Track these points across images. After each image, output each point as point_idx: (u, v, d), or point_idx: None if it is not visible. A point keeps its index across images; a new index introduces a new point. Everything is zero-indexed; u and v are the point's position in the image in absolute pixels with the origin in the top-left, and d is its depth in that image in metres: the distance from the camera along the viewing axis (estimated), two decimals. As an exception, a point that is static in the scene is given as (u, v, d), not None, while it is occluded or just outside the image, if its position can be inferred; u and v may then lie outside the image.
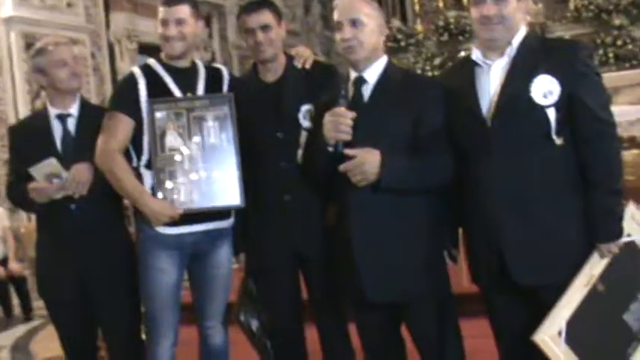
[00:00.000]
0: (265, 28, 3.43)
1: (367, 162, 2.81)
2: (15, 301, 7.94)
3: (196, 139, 3.36)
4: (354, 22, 2.95)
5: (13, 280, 7.88)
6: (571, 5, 14.21)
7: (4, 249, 8.06)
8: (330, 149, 2.92)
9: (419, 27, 15.15)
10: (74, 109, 3.63)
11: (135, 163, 3.38)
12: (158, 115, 3.34)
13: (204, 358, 3.60)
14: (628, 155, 6.22)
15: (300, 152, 3.34)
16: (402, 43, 14.09)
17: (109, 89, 10.74)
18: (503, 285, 2.88)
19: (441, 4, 15.28)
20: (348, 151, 2.84)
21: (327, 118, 2.92)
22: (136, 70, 3.45)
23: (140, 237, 3.45)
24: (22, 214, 8.81)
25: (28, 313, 7.78)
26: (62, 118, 3.61)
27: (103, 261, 3.54)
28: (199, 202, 3.33)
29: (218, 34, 14.05)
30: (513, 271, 2.80)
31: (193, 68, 3.52)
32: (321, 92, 3.27)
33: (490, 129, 2.78)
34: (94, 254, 3.53)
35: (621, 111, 6.24)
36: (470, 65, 2.90)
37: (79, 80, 3.70)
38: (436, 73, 14.14)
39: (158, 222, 3.31)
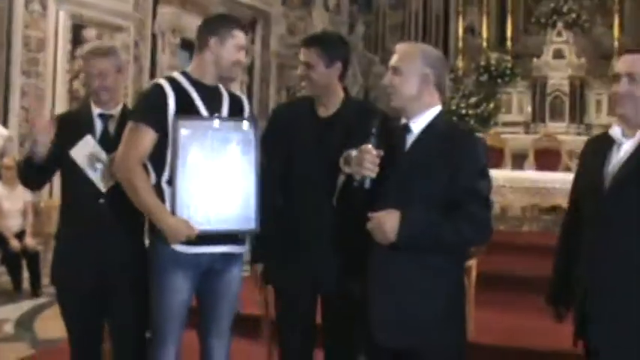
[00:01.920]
0: (308, 66, 3.51)
1: (385, 224, 2.83)
2: (25, 275, 7.97)
3: (219, 160, 3.35)
4: (395, 70, 3.01)
5: (26, 254, 7.92)
6: (613, 64, 14.18)
7: (22, 223, 8.11)
8: (356, 184, 2.96)
9: (460, 63, 15.17)
10: (116, 111, 3.72)
11: (154, 179, 3.35)
12: (183, 132, 3.30)
13: None
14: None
15: (335, 198, 3.35)
16: (442, 78, 14.08)
17: (146, 80, 10.81)
18: None
19: (484, 44, 15.30)
20: (371, 215, 2.87)
21: (355, 153, 2.98)
22: (165, 84, 3.39)
23: (156, 253, 3.42)
24: (44, 190, 8.89)
25: (36, 290, 7.81)
26: (104, 117, 3.69)
27: (122, 256, 3.61)
28: (216, 224, 3.34)
29: (260, 40, 14.11)
30: None
31: (218, 89, 3.53)
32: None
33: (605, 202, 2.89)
34: (115, 248, 3.60)
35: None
36: (608, 139, 2.99)
37: (109, 94, 3.70)
38: (471, 111, 14.17)
39: (175, 240, 3.30)
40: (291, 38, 14.50)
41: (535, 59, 14.54)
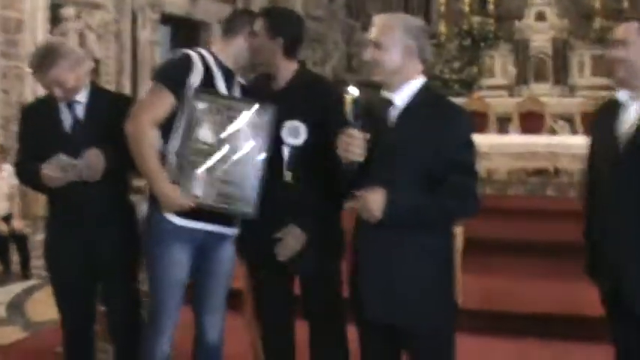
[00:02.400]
0: (253, 34, 3.51)
1: (371, 202, 2.83)
2: (14, 258, 7.97)
3: (228, 139, 3.35)
4: (376, 44, 2.98)
5: (15, 237, 7.92)
6: (596, 25, 14.19)
7: (9, 206, 8.10)
8: (344, 167, 2.97)
9: (442, 28, 15.12)
10: (82, 97, 3.67)
11: (160, 145, 3.34)
12: (200, 105, 3.31)
13: (199, 350, 3.65)
14: None
15: (285, 169, 3.41)
16: (424, 43, 14.02)
17: (128, 57, 10.76)
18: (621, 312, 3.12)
19: (466, 9, 15.24)
20: (357, 194, 2.88)
21: (340, 137, 2.95)
22: (194, 55, 3.41)
23: (154, 224, 3.43)
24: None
25: (26, 272, 7.82)
26: (70, 105, 3.65)
27: (112, 239, 3.65)
28: (213, 201, 3.33)
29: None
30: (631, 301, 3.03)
31: (235, 75, 3.55)
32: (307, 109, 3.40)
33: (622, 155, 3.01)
34: (104, 232, 3.63)
35: None
36: (616, 103, 3.10)
37: (74, 92, 3.64)
38: (454, 76, 14.16)
39: (168, 208, 3.31)
40: (272, 9, 14.42)
41: (517, 22, 14.52)
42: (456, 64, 14.50)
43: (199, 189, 3.31)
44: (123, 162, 3.46)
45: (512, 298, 5.61)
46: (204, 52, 3.48)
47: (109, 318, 3.84)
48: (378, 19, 3.05)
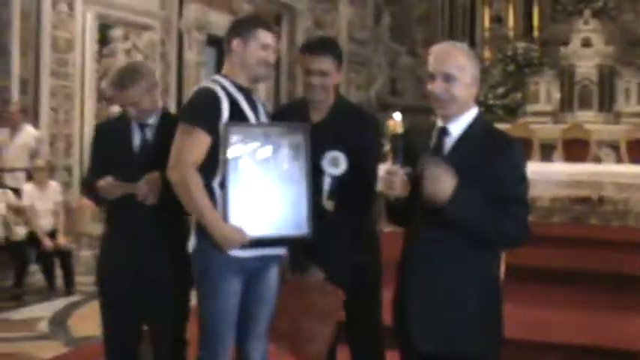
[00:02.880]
0: (323, 74, 3.52)
1: (443, 179, 2.76)
2: (58, 273, 8.08)
3: (269, 165, 3.36)
4: (448, 77, 2.89)
5: (59, 253, 8.03)
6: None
7: (54, 222, 8.22)
8: (393, 202, 2.96)
9: (487, 53, 15.09)
10: (153, 120, 3.79)
11: (204, 181, 3.33)
12: (234, 138, 3.31)
13: None
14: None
15: (325, 198, 3.49)
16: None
17: (173, 77, 10.88)
18: None
19: (511, 34, 15.19)
20: (428, 167, 2.79)
21: (383, 174, 2.95)
22: (218, 90, 3.41)
23: (208, 258, 3.40)
24: (75, 189, 8.99)
25: (69, 288, 7.92)
26: (142, 126, 3.78)
27: (160, 259, 3.72)
28: (269, 230, 3.34)
29: (287, 36, 14.14)
30: None
31: (249, 89, 3.54)
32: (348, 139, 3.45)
33: None
34: (155, 254, 3.71)
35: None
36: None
37: (148, 113, 3.77)
38: (498, 102, 14.11)
39: (228, 248, 3.31)
40: (318, 32, 14.51)
41: (562, 48, 14.43)
42: (500, 90, 14.43)
43: (252, 222, 3.32)
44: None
45: (553, 328, 5.55)
46: (221, 79, 3.48)
47: (154, 334, 3.87)
48: (440, 50, 2.97)
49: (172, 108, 10.65)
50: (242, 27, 3.51)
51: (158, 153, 3.59)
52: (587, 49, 14.14)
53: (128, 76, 3.71)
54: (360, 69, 15.05)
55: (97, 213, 9.45)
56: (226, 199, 3.30)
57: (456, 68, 2.90)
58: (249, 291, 3.50)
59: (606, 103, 13.95)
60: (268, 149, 3.37)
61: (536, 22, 15.34)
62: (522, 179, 2.90)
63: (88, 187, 3.84)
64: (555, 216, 11.18)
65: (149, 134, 3.76)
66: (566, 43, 14.49)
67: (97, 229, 9.25)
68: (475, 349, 2.92)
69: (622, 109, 14.05)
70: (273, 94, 13.74)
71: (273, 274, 3.56)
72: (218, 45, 12.38)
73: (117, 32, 9.96)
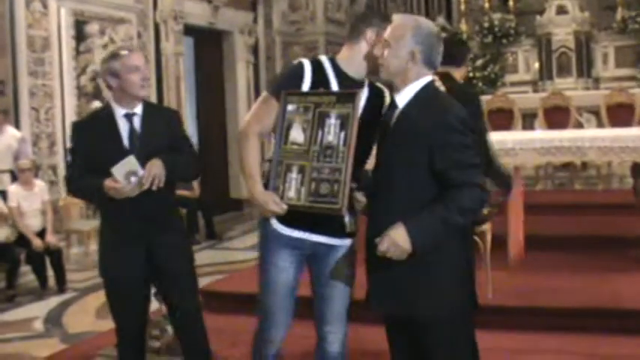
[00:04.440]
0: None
1: (396, 240, 2.87)
2: (49, 272, 8.08)
3: (316, 136, 3.27)
4: (385, 42, 3.07)
5: (49, 252, 8.03)
6: (618, 16, 14.10)
7: (42, 221, 8.23)
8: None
9: (463, 26, 15.11)
10: (139, 109, 3.87)
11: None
12: (289, 107, 3.32)
13: None
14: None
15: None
16: (446, 42, 13.99)
17: (152, 69, 10.87)
18: None
19: (486, 5, 15.21)
20: (377, 240, 2.91)
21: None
22: (306, 64, 3.41)
23: (262, 232, 3.49)
24: (61, 188, 9.00)
25: (62, 286, 7.93)
26: (129, 116, 3.83)
27: (166, 240, 3.88)
28: (304, 200, 3.23)
29: (263, 18, 14.13)
30: None
31: (360, 81, 3.43)
32: None
33: None
34: (158, 235, 3.86)
35: None
36: None
37: (148, 89, 3.92)
38: (478, 74, 14.16)
39: (264, 212, 3.34)
40: (294, 15, 14.50)
41: (538, 17, 14.47)
42: (479, 62, 14.46)
43: (292, 191, 3.27)
44: (177, 172, 3.80)
45: (546, 293, 5.62)
46: (323, 59, 3.46)
47: (176, 312, 4.04)
48: (395, 18, 3.12)
49: (153, 98, 10.67)
50: (376, 18, 3.42)
51: (149, 142, 3.77)
52: (563, 17, 14.18)
53: (127, 49, 3.89)
54: (338, 49, 14.99)
55: (84, 210, 9.49)
56: (273, 166, 3.33)
57: (394, 38, 3.03)
58: (314, 273, 3.51)
59: (585, 69, 14.01)
60: (318, 119, 3.27)
61: (511, -8, 15.36)
62: (461, 145, 2.92)
63: (81, 185, 3.88)
64: (540, 183, 11.28)
65: (137, 124, 3.83)
66: (541, 12, 14.53)
67: (85, 225, 9.29)
68: (425, 312, 2.99)
69: (600, 74, 14.13)
70: (253, 78, 13.73)
71: (342, 259, 3.45)
72: (195, 34, 12.37)
73: (93, 27, 9.92)
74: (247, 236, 10.58)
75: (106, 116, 3.87)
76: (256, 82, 13.87)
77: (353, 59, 3.41)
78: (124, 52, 3.83)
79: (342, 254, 3.44)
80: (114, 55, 3.84)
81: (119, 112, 3.84)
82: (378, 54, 3.12)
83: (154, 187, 3.67)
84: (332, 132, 3.22)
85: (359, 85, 3.37)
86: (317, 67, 3.40)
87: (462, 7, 15.54)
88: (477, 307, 3.17)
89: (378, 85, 3.51)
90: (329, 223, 3.33)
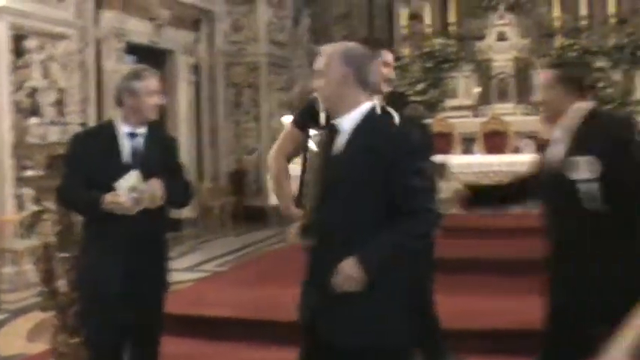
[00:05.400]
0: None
1: (348, 274, 2.87)
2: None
3: None
4: (318, 73, 3.11)
5: (-18, 271, 7.88)
6: (557, 43, 14.40)
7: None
8: None
9: (405, 51, 15.25)
10: (143, 130, 3.91)
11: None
12: (313, 133, 3.71)
13: None
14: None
15: None
16: (388, 66, 14.09)
17: (93, 87, 10.75)
18: None
19: (428, 31, 15.40)
20: (332, 280, 2.90)
21: None
22: None
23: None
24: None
25: (-6, 306, 7.78)
26: (133, 135, 3.88)
27: (150, 261, 3.92)
28: None
29: (205, 38, 14.11)
30: None
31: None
32: None
33: None
34: (148, 257, 3.88)
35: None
36: None
37: (157, 112, 3.96)
38: (419, 98, 14.28)
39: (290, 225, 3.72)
40: (236, 35, 14.50)
41: (478, 42, 14.71)
42: (420, 87, 14.61)
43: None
44: (172, 196, 3.87)
45: (485, 315, 5.66)
46: None
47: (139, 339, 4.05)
48: (323, 49, 3.15)
49: (92, 116, 10.55)
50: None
51: (150, 161, 3.83)
52: (503, 43, 14.45)
53: (144, 70, 3.92)
54: (281, 71, 15.09)
55: (18, 228, 9.29)
56: (303, 187, 3.78)
57: (325, 66, 3.07)
58: None
59: (524, 94, 14.25)
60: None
61: (452, 18, 15.55)
62: (414, 169, 2.94)
63: (71, 198, 3.93)
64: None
65: (140, 144, 3.88)
66: (481, 38, 14.78)
67: (19, 244, 9.09)
68: (358, 341, 2.95)
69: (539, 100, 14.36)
70: (194, 97, 13.68)
71: None
72: (137, 52, 12.28)
73: (32, 43, 9.76)
74: (186, 257, 10.49)
75: (108, 132, 3.91)
76: (197, 101, 13.82)
77: None
78: (146, 74, 3.88)
79: None
80: (137, 75, 3.88)
81: (123, 129, 3.88)
82: (314, 86, 3.19)
83: (154, 206, 3.75)
84: None
85: None
86: None
87: (405, 31, 15.68)
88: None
89: (388, 109, 3.89)
90: None
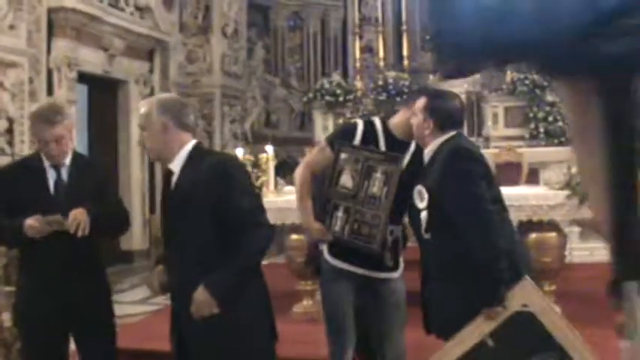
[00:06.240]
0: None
1: (201, 302, 3.18)
2: None
3: (363, 184, 3.91)
4: (141, 128, 3.41)
5: None
6: (507, 77, 14.59)
7: None
8: None
9: (358, 83, 15.35)
10: (67, 160, 3.90)
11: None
12: (342, 155, 3.94)
13: None
14: (549, 238, 6.43)
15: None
16: (341, 98, 14.17)
17: (43, 116, 10.60)
18: None
19: (381, 64, 15.53)
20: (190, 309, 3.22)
21: None
22: (359, 123, 4.15)
23: (323, 267, 4.12)
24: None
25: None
26: (56, 167, 3.87)
27: (87, 288, 3.89)
28: (347, 236, 3.94)
29: (159, 69, 14.04)
30: None
31: (406, 142, 4.04)
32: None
33: None
34: (82, 285, 3.86)
35: (545, 195, 6.47)
36: None
37: (65, 155, 3.91)
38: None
39: (310, 237, 4.16)
40: (190, 67, 14.46)
41: (432, 76, 14.86)
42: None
43: (338, 226, 3.94)
44: (101, 223, 3.82)
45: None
46: (376, 120, 4.15)
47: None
48: (139, 105, 3.45)
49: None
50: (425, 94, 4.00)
51: (75, 192, 3.83)
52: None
53: (58, 114, 3.84)
54: (234, 102, 15.06)
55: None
56: (324, 202, 3.98)
57: (144, 120, 3.35)
58: (371, 306, 4.10)
59: (475, 127, 14.40)
60: (365, 170, 3.90)
61: (405, 51, 15.71)
62: (242, 192, 3.30)
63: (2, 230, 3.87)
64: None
65: (64, 175, 3.87)
66: (435, 72, 14.92)
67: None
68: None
69: (491, 133, 14.53)
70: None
71: (394, 292, 4.06)
72: (90, 82, 12.17)
73: (-19, 71, 9.64)
74: (137, 289, 10.34)
75: (34, 164, 3.91)
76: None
77: (402, 124, 4.01)
78: (57, 119, 3.83)
79: (396, 288, 4.06)
80: (47, 120, 3.84)
81: (47, 163, 3.88)
82: (143, 141, 3.42)
83: (79, 234, 3.69)
84: (377, 185, 3.89)
85: (405, 145, 4.02)
86: (369, 127, 4.06)
87: (358, 64, 15.80)
88: (276, 338, 3.51)
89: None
90: (370, 259, 3.94)
